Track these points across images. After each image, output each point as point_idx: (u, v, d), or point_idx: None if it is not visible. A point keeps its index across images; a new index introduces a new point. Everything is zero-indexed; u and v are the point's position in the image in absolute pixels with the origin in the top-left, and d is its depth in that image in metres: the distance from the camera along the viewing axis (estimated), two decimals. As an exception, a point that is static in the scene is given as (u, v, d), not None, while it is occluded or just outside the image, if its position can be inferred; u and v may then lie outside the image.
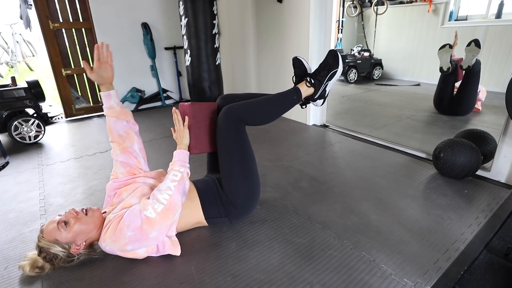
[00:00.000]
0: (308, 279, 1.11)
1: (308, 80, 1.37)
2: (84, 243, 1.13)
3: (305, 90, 1.38)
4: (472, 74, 2.89)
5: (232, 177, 1.29)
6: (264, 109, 1.33)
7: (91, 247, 1.18)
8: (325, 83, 1.38)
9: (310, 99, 1.42)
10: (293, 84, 1.45)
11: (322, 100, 1.44)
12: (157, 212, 1.09)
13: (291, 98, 1.37)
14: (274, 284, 1.09)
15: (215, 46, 2.75)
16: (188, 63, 2.78)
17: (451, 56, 2.95)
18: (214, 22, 2.66)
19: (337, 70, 1.38)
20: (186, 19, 2.60)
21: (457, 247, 1.25)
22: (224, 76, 3.56)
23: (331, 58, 1.37)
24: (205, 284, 1.10)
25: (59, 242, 1.09)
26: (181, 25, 2.68)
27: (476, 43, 2.74)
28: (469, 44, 2.79)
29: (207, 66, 2.76)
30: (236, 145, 1.28)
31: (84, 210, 1.18)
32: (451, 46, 2.93)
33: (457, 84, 3.07)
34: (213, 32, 2.69)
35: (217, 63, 2.82)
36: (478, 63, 2.84)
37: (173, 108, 1.35)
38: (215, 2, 2.65)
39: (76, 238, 1.11)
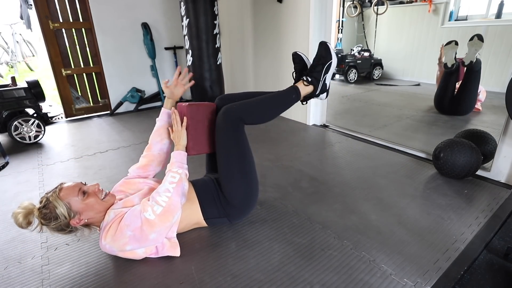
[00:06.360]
0: (308, 279, 1.11)
1: (305, 79, 1.35)
2: (86, 220, 1.13)
3: (304, 88, 1.36)
4: (472, 73, 2.88)
5: (231, 177, 1.29)
6: (263, 108, 1.33)
7: (88, 227, 1.18)
8: (323, 77, 1.36)
9: (312, 95, 1.40)
10: (293, 80, 1.44)
11: (325, 93, 1.42)
12: (156, 214, 1.09)
13: (290, 97, 1.36)
14: (274, 284, 1.09)
15: (216, 46, 2.75)
16: (189, 63, 2.79)
17: (455, 53, 2.94)
18: (215, 22, 2.67)
19: (331, 62, 1.35)
20: (188, 19, 2.60)
21: (457, 247, 1.25)
22: (224, 76, 3.55)
23: (323, 51, 1.35)
24: (205, 284, 1.10)
25: (69, 206, 1.08)
26: (182, 26, 2.69)
27: (479, 37, 2.71)
28: (471, 39, 2.75)
29: (208, 66, 2.76)
30: (235, 145, 1.28)
31: (104, 193, 1.18)
32: (457, 43, 2.91)
33: (458, 84, 3.06)
34: (214, 32, 2.69)
35: (218, 63, 2.83)
36: (478, 62, 2.82)
37: (172, 108, 1.35)
38: (216, 2, 2.66)
39: (84, 212, 1.11)
